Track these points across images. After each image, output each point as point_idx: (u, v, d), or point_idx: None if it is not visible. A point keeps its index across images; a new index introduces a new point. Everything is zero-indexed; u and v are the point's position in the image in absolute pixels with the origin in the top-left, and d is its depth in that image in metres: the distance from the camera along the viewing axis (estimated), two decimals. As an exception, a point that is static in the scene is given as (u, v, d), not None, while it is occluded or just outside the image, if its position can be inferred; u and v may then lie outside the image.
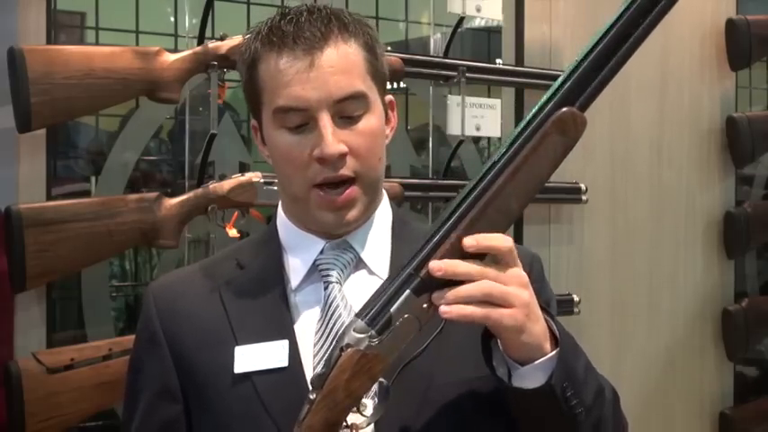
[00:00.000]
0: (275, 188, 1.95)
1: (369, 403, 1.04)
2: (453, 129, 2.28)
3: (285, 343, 1.11)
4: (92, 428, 1.98)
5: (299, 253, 1.16)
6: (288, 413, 1.05)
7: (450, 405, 1.10)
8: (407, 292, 0.99)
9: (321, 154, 1.07)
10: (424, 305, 0.98)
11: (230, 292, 1.15)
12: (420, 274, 0.99)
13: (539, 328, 1.00)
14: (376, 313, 1.00)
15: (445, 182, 2.28)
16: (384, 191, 1.21)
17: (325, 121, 1.07)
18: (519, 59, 2.46)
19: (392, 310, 0.99)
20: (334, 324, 1.10)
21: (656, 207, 2.75)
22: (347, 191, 1.10)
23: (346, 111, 1.09)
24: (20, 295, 1.84)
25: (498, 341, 1.02)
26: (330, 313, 1.11)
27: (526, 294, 0.99)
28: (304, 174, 1.10)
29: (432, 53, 2.35)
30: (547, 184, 2.69)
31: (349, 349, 0.99)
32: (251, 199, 1.96)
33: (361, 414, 1.02)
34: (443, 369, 1.09)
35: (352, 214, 1.12)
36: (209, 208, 1.92)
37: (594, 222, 2.62)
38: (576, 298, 2.47)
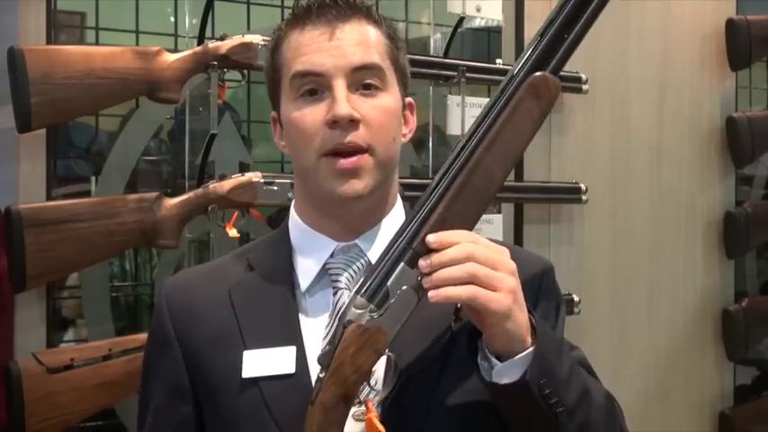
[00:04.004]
0: (275, 188, 1.96)
1: (378, 379, 1.05)
2: (453, 129, 2.28)
3: (292, 349, 1.10)
4: (92, 428, 1.98)
5: (310, 255, 1.16)
6: (293, 419, 1.05)
7: (455, 415, 1.10)
8: (402, 265, 1.01)
9: (333, 115, 1.07)
10: (419, 277, 1.01)
11: (240, 293, 1.15)
12: (412, 247, 1.01)
13: (523, 317, 1.00)
14: (374, 288, 1.02)
15: (445, 182, 2.27)
16: (399, 195, 1.20)
17: (340, 85, 1.08)
18: (519, 59, 2.46)
19: (389, 283, 1.01)
20: None
21: (656, 207, 2.75)
22: (355, 157, 1.09)
23: (362, 78, 1.10)
24: (20, 295, 1.84)
25: (483, 336, 1.02)
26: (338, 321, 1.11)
27: (512, 281, 0.99)
28: (314, 142, 1.09)
29: (432, 53, 2.35)
30: (547, 184, 2.70)
31: (351, 325, 1.01)
32: (251, 199, 1.96)
33: (372, 389, 1.03)
34: (448, 379, 1.09)
35: (359, 184, 1.09)
36: (209, 208, 1.92)
37: (594, 222, 2.62)
38: (576, 298, 2.46)
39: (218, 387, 1.12)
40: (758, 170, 3.12)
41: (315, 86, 1.10)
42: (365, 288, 1.02)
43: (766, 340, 3.06)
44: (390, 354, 1.03)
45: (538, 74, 1.04)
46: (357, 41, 1.10)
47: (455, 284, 0.97)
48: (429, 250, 1.00)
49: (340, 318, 1.03)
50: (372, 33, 1.12)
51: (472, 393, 1.09)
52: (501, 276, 0.98)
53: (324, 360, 1.01)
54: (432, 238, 1.00)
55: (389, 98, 1.12)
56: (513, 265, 1.00)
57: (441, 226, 1.01)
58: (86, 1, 2.09)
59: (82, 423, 1.88)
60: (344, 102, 1.07)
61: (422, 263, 0.99)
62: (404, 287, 1.01)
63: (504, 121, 1.03)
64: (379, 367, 1.04)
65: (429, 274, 0.99)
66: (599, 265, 2.63)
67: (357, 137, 1.08)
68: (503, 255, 1.00)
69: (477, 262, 0.98)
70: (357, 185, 1.09)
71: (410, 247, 1.01)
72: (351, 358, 1.00)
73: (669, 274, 2.79)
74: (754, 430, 2.90)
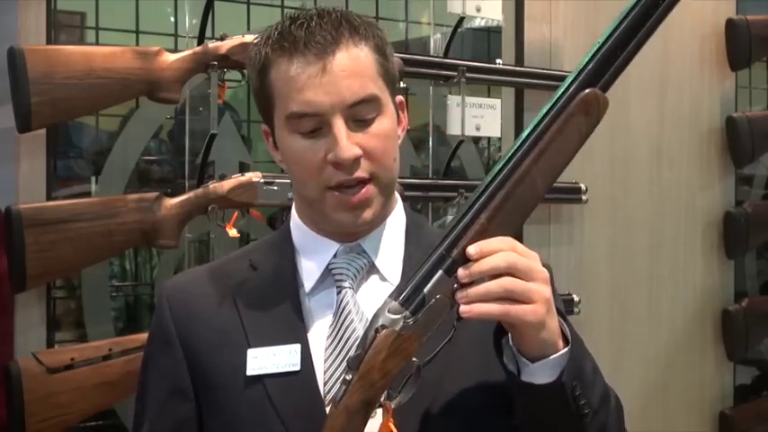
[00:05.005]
0: (275, 188, 1.96)
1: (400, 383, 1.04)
2: (453, 129, 2.28)
3: (297, 347, 1.11)
4: (92, 428, 1.98)
5: (313, 256, 1.16)
6: (298, 417, 1.06)
7: (458, 410, 1.10)
8: (440, 272, 1.00)
9: (336, 158, 1.07)
10: (455, 285, 1.00)
11: (243, 294, 1.15)
12: (452, 255, 1.00)
13: (555, 324, 1.01)
14: (410, 294, 1.01)
15: (445, 182, 2.28)
16: (398, 194, 1.20)
17: (339, 125, 1.07)
18: (519, 59, 2.46)
19: (425, 290, 1.00)
20: (345, 330, 1.11)
21: (656, 207, 2.75)
22: (363, 189, 1.09)
23: (359, 114, 1.08)
24: (20, 295, 1.84)
25: (510, 337, 1.02)
26: (342, 319, 1.12)
27: (547, 291, 0.99)
28: (318, 177, 1.09)
29: (432, 53, 2.35)
30: (547, 184, 2.60)
31: (384, 330, 1.00)
32: (251, 199, 1.96)
33: (391, 393, 1.03)
34: (451, 375, 1.09)
35: (368, 213, 1.11)
36: (209, 208, 1.92)
37: (594, 222, 2.62)
38: (576, 298, 2.47)
39: (219, 386, 1.12)
40: (758, 170, 3.13)
41: (313, 126, 1.08)
42: (401, 294, 1.01)
43: (766, 340, 3.06)
44: (416, 360, 1.02)
45: (589, 90, 1.04)
46: (349, 73, 1.07)
47: (490, 300, 0.97)
48: (468, 260, 0.99)
49: (372, 321, 1.02)
50: (362, 56, 1.09)
51: (474, 393, 1.10)
52: (536, 288, 0.98)
53: (353, 363, 1.01)
54: (472, 250, 0.99)
55: (386, 120, 1.11)
56: (546, 273, 1.00)
57: (481, 236, 1.00)
58: (86, 1, 2.09)
59: (82, 423, 1.88)
60: (346, 143, 1.07)
61: (461, 272, 0.99)
62: (438, 296, 1.00)
63: (554, 135, 1.03)
64: None
65: (467, 284, 0.98)
66: (599, 265, 2.63)
67: (361, 171, 1.08)
68: (537, 261, 1.00)
69: (517, 272, 0.98)
70: (366, 215, 1.11)
71: (449, 255, 1.00)
72: (381, 364, 0.99)
73: (669, 274, 2.79)
74: (754, 430, 2.90)
